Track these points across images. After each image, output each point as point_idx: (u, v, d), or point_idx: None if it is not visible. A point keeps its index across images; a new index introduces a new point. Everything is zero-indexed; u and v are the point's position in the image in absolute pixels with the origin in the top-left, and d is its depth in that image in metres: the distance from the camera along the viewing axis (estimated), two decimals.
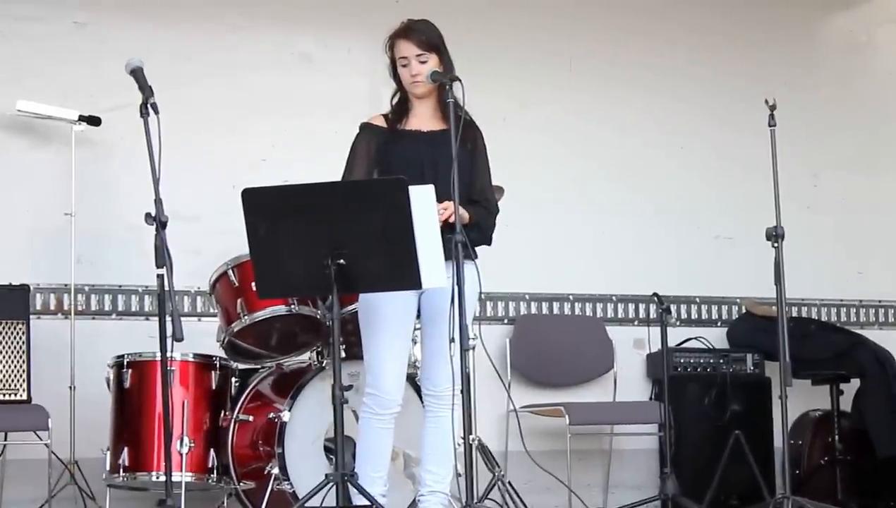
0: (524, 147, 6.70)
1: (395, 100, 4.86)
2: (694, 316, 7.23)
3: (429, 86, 4.73)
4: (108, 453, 5.24)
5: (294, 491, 5.06)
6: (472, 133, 4.80)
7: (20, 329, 5.63)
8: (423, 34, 4.75)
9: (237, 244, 4.89)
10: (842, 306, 7.60)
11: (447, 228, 4.46)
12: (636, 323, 7.09)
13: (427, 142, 4.73)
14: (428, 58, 4.73)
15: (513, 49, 6.89)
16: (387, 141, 4.77)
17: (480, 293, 4.76)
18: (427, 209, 4.37)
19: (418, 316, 4.80)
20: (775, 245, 5.46)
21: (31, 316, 5.73)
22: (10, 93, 5.92)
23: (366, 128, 4.83)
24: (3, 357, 5.59)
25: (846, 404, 6.97)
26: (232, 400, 5.40)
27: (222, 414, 5.34)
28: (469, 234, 4.54)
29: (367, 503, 4.40)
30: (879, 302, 7.68)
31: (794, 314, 7.23)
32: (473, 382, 5.14)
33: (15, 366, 5.59)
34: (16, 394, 5.54)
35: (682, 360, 6.80)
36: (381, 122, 4.83)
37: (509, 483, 5.80)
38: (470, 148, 4.77)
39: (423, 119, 4.81)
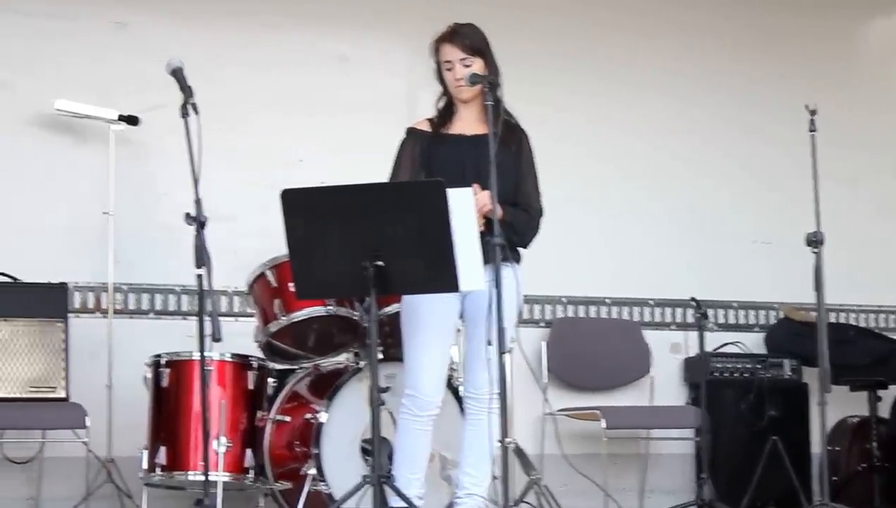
0: (560, 150, 6.65)
1: (441, 104, 4.85)
2: (731, 320, 7.19)
3: (473, 90, 4.71)
4: (146, 452, 5.24)
5: (330, 493, 5.04)
6: (517, 136, 4.79)
7: (59, 327, 5.66)
8: (468, 38, 4.73)
9: (274, 244, 4.88)
10: (880, 312, 7.54)
11: (487, 231, 4.43)
12: (673, 327, 7.06)
13: (471, 145, 4.70)
14: (472, 61, 4.71)
15: (540, 54, 6.82)
16: (430, 144, 4.76)
17: (520, 296, 4.70)
18: (466, 212, 4.35)
19: (462, 318, 4.79)
20: (815, 250, 5.41)
21: (70, 315, 5.77)
22: (48, 92, 5.95)
23: (411, 132, 4.83)
24: (42, 355, 5.61)
25: (884, 410, 6.92)
26: (269, 400, 5.39)
27: (259, 415, 5.33)
28: (504, 236, 4.49)
29: (404, 505, 4.40)
30: None
31: (832, 319, 7.18)
32: (511, 385, 5.12)
33: (53, 365, 5.62)
34: (54, 392, 5.57)
35: (719, 365, 6.76)
36: (426, 127, 4.82)
37: (545, 486, 5.78)
38: (514, 150, 4.75)
39: (468, 123, 4.79)
